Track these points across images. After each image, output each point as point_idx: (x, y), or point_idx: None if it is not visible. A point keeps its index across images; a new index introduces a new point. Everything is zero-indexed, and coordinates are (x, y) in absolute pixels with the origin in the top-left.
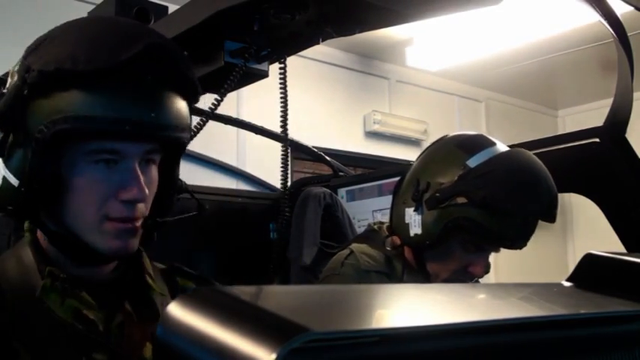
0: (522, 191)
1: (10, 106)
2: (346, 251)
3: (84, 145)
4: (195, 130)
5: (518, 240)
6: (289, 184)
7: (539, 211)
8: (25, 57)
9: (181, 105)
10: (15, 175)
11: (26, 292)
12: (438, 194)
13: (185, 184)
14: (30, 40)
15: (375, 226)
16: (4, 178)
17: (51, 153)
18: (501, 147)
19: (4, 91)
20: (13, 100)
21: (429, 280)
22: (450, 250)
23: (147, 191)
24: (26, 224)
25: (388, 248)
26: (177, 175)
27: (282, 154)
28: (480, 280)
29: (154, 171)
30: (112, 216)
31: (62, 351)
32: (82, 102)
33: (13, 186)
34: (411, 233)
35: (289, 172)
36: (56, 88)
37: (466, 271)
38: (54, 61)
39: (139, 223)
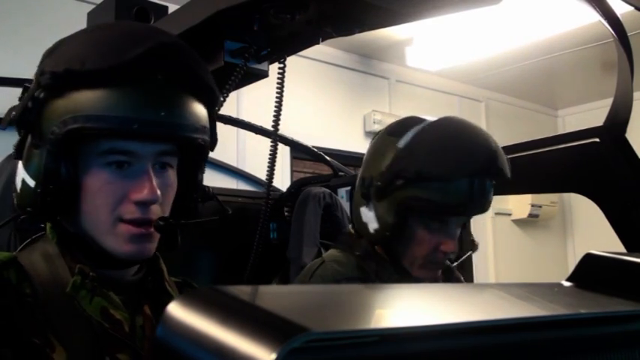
0: (451, 153)
1: (26, 108)
2: (318, 261)
3: (96, 146)
4: None
5: (470, 205)
6: (289, 183)
7: (476, 169)
8: (42, 61)
9: (195, 105)
10: (32, 177)
11: (57, 288)
12: (378, 183)
13: (213, 191)
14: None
15: (352, 229)
16: (23, 180)
17: (64, 154)
18: (429, 120)
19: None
20: (29, 103)
21: (406, 274)
22: (414, 234)
23: (159, 193)
24: (48, 225)
25: (357, 253)
26: (200, 180)
27: (271, 149)
28: (451, 261)
29: (171, 175)
30: (126, 218)
31: (88, 348)
32: (92, 101)
33: (31, 188)
34: (371, 230)
35: (288, 170)
36: (67, 89)
37: (438, 251)
38: (64, 62)
39: (152, 228)
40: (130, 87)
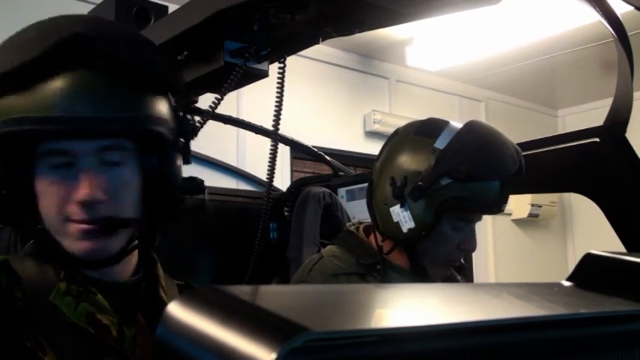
0: (496, 156)
1: None
2: (317, 256)
3: (36, 148)
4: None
5: (500, 203)
6: (289, 183)
7: (509, 170)
8: None
9: (130, 95)
10: None
11: (45, 292)
12: (420, 183)
13: (202, 182)
14: None
15: (352, 228)
16: None
17: (6, 158)
18: (455, 123)
19: None
20: None
21: (419, 274)
22: (442, 233)
23: (101, 192)
24: None
25: (358, 251)
26: (172, 172)
27: (271, 149)
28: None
29: (126, 171)
30: (72, 218)
31: (76, 354)
32: (17, 103)
33: None
34: (404, 229)
35: (288, 170)
36: None
37: (460, 249)
38: None
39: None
40: (49, 83)
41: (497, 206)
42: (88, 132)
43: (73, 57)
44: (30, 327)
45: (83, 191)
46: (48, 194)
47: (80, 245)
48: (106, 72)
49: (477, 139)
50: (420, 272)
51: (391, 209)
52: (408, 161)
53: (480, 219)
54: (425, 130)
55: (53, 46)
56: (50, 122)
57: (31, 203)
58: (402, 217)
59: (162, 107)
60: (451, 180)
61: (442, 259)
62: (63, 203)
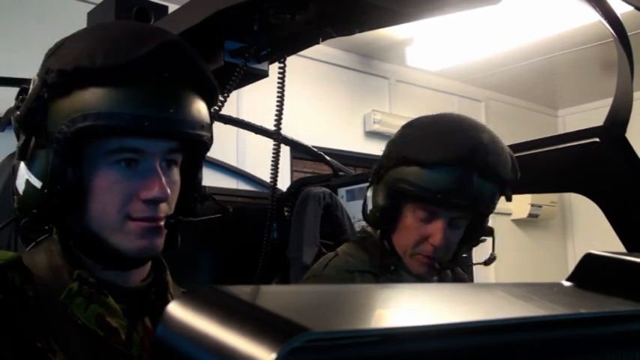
0: (435, 140)
1: (30, 108)
2: (332, 254)
3: (104, 145)
4: None
5: (451, 195)
6: (289, 183)
7: (458, 158)
8: (46, 60)
9: (199, 103)
10: (38, 178)
11: (57, 292)
12: (376, 167)
13: (206, 190)
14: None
15: (369, 229)
16: (28, 181)
17: (72, 153)
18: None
19: (26, 96)
20: (34, 103)
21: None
22: (404, 221)
23: (169, 191)
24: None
25: (368, 248)
26: (200, 178)
27: (274, 150)
28: (437, 255)
29: (176, 173)
30: (135, 216)
31: (83, 356)
32: (101, 99)
33: (37, 189)
34: (367, 211)
35: (288, 170)
36: (75, 87)
37: (427, 243)
38: (72, 60)
39: (162, 223)
40: (139, 84)
41: (446, 196)
42: (170, 133)
43: (163, 63)
44: (41, 327)
45: (155, 189)
46: (111, 192)
47: (138, 243)
48: (183, 79)
49: (423, 125)
50: (401, 263)
51: (367, 194)
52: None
53: (452, 214)
54: (407, 123)
55: (150, 51)
56: (140, 120)
57: (81, 200)
58: (368, 200)
59: (209, 116)
60: (394, 162)
61: (410, 250)
62: (127, 201)
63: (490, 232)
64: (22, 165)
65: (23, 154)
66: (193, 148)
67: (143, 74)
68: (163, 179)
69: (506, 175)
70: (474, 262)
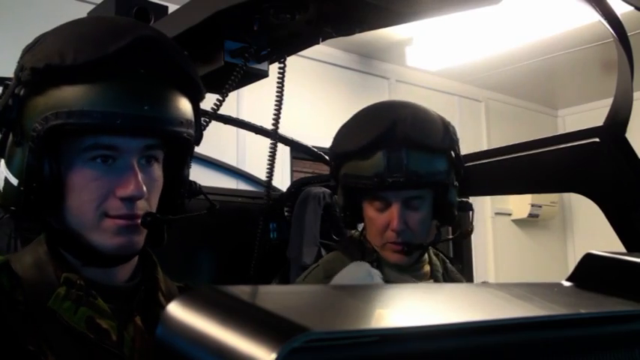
0: (360, 128)
1: (6, 106)
2: (314, 265)
3: (80, 142)
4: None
5: (387, 174)
6: (289, 183)
7: (381, 138)
8: (21, 57)
9: (179, 99)
10: (15, 176)
11: (45, 296)
12: (331, 171)
13: (199, 186)
14: (31, 39)
15: (353, 232)
16: (6, 179)
17: (47, 151)
18: None
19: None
20: (10, 100)
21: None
22: (367, 214)
23: (145, 188)
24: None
25: (347, 250)
26: (186, 175)
27: (270, 149)
28: (402, 240)
29: (157, 169)
30: (112, 214)
31: (75, 358)
32: (73, 97)
33: (14, 186)
34: (339, 215)
35: (288, 170)
36: (48, 84)
37: (390, 231)
38: (44, 57)
39: (139, 220)
40: (112, 81)
41: (382, 178)
42: (145, 130)
43: (139, 58)
44: (31, 331)
45: (130, 187)
46: (87, 189)
47: (115, 240)
48: (161, 75)
49: (352, 118)
50: (375, 262)
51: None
52: None
53: (402, 195)
54: None
55: (124, 46)
56: (113, 118)
57: (59, 198)
58: (337, 205)
59: (192, 112)
60: (343, 162)
61: (379, 242)
62: (103, 199)
63: (465, 208)
64: (2, 163)
65: (1, 151)
66: (176, 144)
67: (117, 70)
68: (140, 176)
69: (436, 144)
70: (448, 237)
